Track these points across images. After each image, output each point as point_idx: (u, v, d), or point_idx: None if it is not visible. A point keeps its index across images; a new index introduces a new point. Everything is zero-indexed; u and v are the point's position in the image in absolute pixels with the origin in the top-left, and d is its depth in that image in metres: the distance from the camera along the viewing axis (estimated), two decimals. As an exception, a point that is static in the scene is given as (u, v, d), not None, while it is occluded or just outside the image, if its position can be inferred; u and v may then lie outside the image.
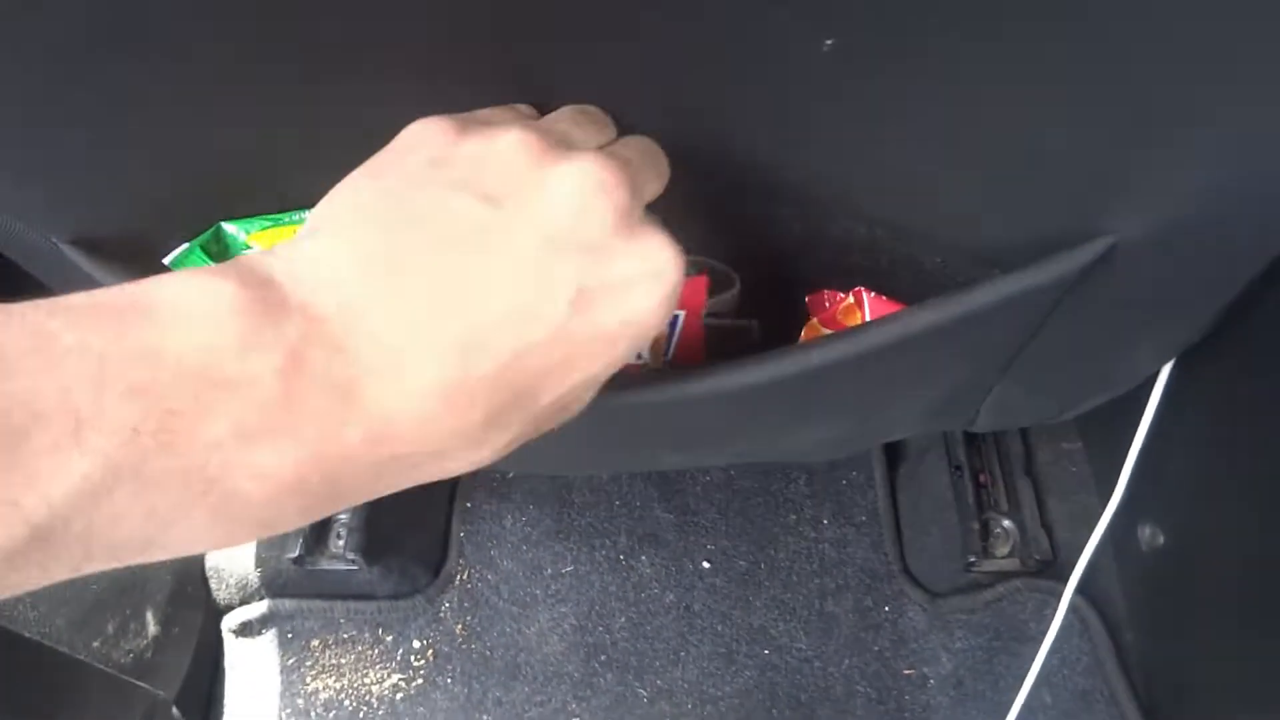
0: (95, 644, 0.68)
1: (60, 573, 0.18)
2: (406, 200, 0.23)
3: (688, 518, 0.86)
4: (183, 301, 0.19)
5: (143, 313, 0.19)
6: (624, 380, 0.30)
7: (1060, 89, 0.24)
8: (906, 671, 0.77)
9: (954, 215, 0.32)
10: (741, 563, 0.84)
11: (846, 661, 0.78)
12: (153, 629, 0.75)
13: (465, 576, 0.85)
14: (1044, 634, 0.60)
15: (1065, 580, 0.59)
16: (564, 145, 0.24)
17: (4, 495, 0.16)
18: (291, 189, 0.35)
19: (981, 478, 0.79)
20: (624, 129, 0.29)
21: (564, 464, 0.65)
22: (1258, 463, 0.51)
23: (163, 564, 0.77)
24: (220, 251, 0.37)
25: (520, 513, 0.88)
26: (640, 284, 0.24)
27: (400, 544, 0.84)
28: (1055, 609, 0.59)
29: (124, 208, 0.34)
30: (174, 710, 0.71)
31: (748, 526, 0.86)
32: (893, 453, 0.88)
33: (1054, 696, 0.71)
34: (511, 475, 0.90)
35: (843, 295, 0.41)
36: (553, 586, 0.84)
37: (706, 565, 0.84)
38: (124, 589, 0.73)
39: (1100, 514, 0.56)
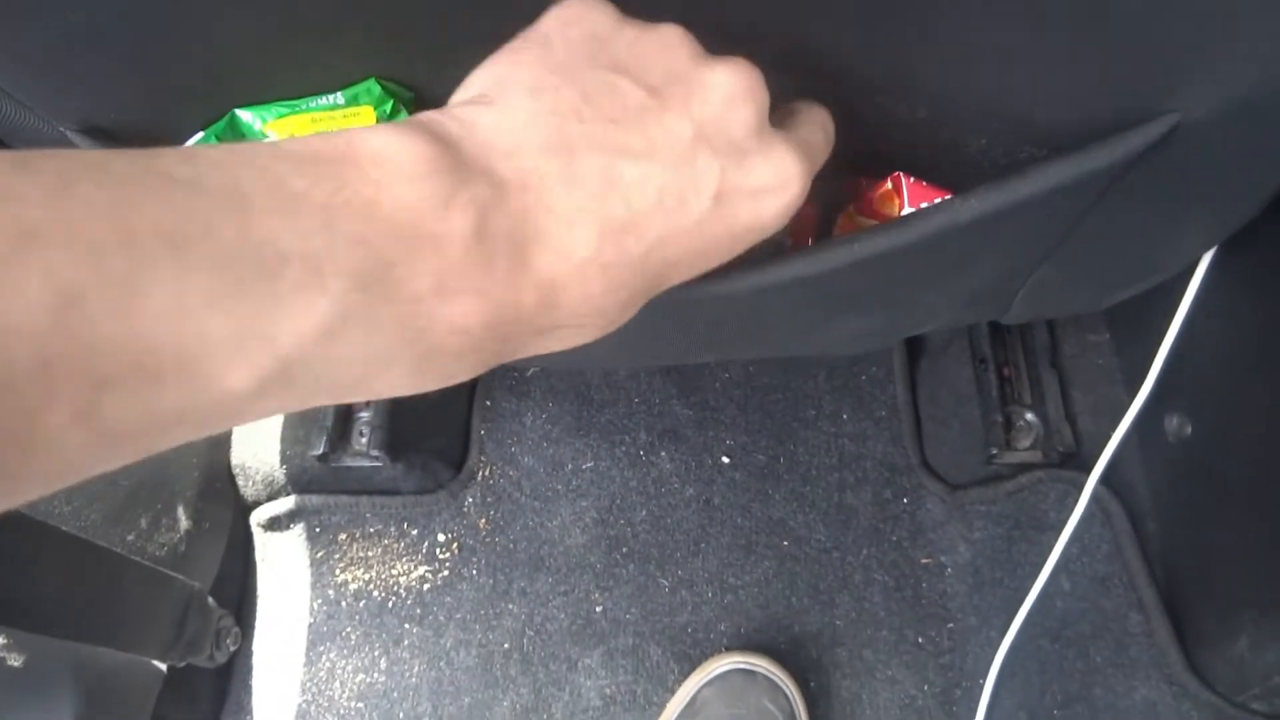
0: (130, 538, 0.70)
1: (290, 407, 0.19)
2: (576, 77, 0.23)
3: (707, 413, 0.87)
4: (387, 157, 0.20)
5: (355, 166, 0.19)
6: None
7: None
8: (924, 560, 0.79)
9: (1008, 93, 0.30)
10: (761, 457, 0.85)
11: (865, 551, 0.80)
12: (184, 523, 0.76)
13: (487, 473, 0.86)
14: (1064, 523, 0.60)
15: (1088, 471, 0.59)
16: None
17: (260, 329, 0.17)
18: (309, 76, 0.33)
19: (1005, 370, 0.79)
20: None
21: (588, 361, 0.64)
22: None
23: (190, 461, 0.79)
24: (235, 140, 0.35)
25: (540, 410, 0.88)
26: (769, 192, 0.25)
27: (421, 441, 0.85)
28: (1077, 499, 0.60)
29: (136, 93, 0.33)
30: (210, 600, 0.74)
31: (767, 422, 0.86)
32: (914, 347, 0.87)
33: (1072, 583, 0.72)
34: (530, 373, 0.90)
35: (879, 181, 0.39)
36: (574, 482, 0.85)
37: (726, 460, 0.85)
38: (154, 485, 0.74)
39: (1126, 406, 0.56)
